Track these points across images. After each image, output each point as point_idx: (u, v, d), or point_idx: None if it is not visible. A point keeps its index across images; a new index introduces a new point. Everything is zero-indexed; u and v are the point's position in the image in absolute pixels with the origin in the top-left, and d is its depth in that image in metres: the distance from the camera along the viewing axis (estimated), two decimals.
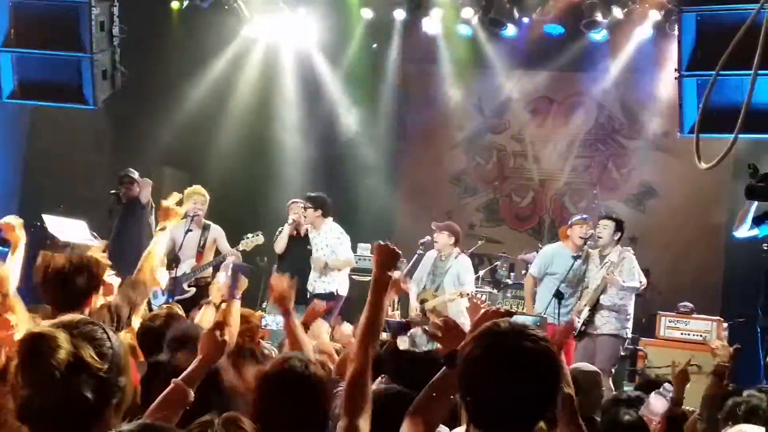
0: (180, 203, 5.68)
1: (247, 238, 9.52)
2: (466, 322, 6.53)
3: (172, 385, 3.24)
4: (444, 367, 2.97)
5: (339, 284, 10.09)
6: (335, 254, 10.07)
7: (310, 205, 10.16)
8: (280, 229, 10.51)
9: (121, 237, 9.94)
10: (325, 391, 3.32)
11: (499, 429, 2.42)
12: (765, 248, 7.95)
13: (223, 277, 5.85)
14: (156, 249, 5.05)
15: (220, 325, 3.54)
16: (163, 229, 5.30)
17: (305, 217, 10.22)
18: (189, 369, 3.33)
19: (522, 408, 2.39)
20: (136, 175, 10.35)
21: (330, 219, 10.22)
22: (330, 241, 10.11)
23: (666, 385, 5.47)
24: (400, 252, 3.35)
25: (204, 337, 3.48)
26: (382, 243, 3.32)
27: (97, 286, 4.24)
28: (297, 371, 3.32)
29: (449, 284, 9.96)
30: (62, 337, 2.22)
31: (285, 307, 5.03)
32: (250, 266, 7.21)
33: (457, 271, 10.01)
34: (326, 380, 3.39)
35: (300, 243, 10.37)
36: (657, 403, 5.15)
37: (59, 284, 4.11)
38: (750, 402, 4.84)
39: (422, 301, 9.97)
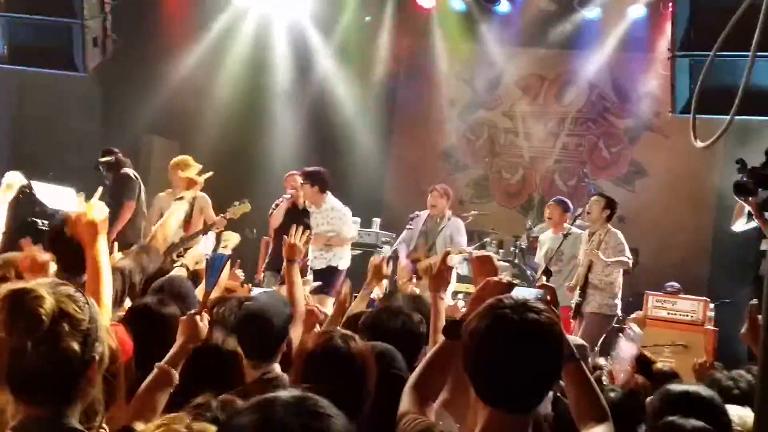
0: (200, 173, 5.64)
1: (234, 206, 9.44)
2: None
3: (155, 369, 3.26)
4: (442, 340, 2.97)
5: (340, 259, 10.03)
6: (337, 232, 9.99)
7: (307, 182, 10.01)
8: (276, 203, 10.39)
9: (111, 211, 9.85)
10: (366, 367, 3.29)
11: (506, 402, 2.43)
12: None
13: (202, 247, 5.70)
14: (172, 219, 4.98)
15: (201, 309, 3.53)
16: (180, 198, 5.21)
17: (305, 193, 10.08)
18: (170, 353, 3.35)
19: (528, 381, 2.42)
20: (119, 154, 10.25)
21: (329, 194, 10.10)
22: (332, 220, 10.02)
23: (632, 326, 5.52)
24: None
25: (185, 321, 3.47)
26: None
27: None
28: (340, 349, 3.28)
29: (441, 245, 10.00)
30: (44, 290, 2.23)
31: (291, 256, 5.22)
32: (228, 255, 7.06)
33: (450, 232, 10.09)
34: (367, 354, 3.36)
35: (297, 215, 10.22)
36: (626, 348, 5.20)
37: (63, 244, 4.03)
38: (721, 382, 4.85)
39: (414, 261, 9.98)
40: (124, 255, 4.57)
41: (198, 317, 3.46)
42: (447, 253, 4.03)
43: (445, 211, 10.16)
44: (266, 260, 10.43)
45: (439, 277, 3.87)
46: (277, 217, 10.18)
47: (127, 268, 4.27)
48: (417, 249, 10.11)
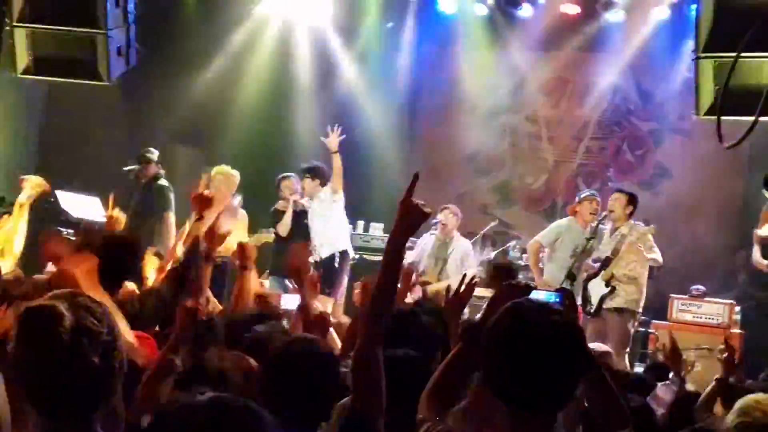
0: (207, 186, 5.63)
1: (260, 232, 9.51)
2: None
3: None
4: (459, 345, 2.94)
5: (345, 246, 10.13)
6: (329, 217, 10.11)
7: (309, 176, 10.11)
8: (274, 208, 10.44)
9: (138, 217, 9.92)
10: (335, 367, 3.30)
11: (525, 405, 2.38)
12: None
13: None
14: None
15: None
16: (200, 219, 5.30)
17: (304, 188, 10.21)
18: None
19: (548, 384, 2.36)
20: (155, 155, 10.32)
21: (327, 186, 10.17)
22: (326, 209, 10.11)
23: (672, 376, 5.48)
24: (429, 211, 3.30)
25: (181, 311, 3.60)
26: (412, 201, 3.27)
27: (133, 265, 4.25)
28: (306, 347, 3.30)
29: (453, 267, 9.98)
30: (62, 306, 2.23)
31: (299, 278, 5.13)
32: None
33: (461, 255, 10.07)
34: (335, 356, 3.38)
35: (302, 220, 10.32)
36: (665, 396, 5.16)
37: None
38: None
39: (424, 284, 9.97)
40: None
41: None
42: (466, 277, 3.81)
43: (453, 231, 10.20)
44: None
45: (458, 301, 3.76)
46: (286, 226, 10.23)
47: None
48: (426, 272, 10.09)
